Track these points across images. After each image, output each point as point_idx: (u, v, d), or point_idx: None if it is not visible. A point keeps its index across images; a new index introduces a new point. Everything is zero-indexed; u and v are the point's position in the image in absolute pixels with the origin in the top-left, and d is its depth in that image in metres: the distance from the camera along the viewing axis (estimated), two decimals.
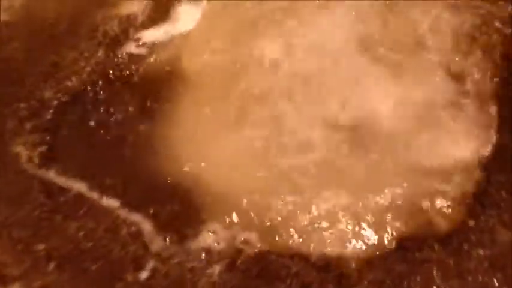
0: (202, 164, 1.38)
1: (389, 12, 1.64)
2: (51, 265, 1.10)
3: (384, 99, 1.49)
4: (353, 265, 1.03)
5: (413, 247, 1.09)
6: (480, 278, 1.03)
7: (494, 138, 1.34)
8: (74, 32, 1.68)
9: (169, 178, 1.33)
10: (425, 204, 1.23)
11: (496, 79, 1.43)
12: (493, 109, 1.41)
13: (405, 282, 1.01)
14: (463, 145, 1.35)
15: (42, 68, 1.56)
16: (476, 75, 1.49)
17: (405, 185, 1.29)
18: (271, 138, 1.43)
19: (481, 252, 1.05)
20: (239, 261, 1.08)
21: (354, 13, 1.62)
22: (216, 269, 1.06)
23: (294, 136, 1.41)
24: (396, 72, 1.55)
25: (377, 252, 1.09)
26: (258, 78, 1.53)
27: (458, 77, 1.52)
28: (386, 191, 1.27)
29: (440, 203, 1.23)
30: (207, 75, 1.61)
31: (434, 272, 1.02)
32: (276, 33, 1.61)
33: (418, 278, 1.01)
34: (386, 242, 1.10)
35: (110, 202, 1.24)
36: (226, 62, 1.62)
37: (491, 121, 1.37)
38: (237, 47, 1.63)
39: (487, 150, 1.32)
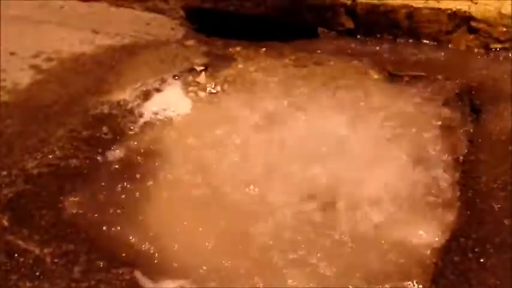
0: (167, 239, 1.41)
1: None
2: None
3: None
4: None
5: None
6: None
7: (452, 225, 1.36)
8: (66, 113, 1.81)
9: (131, 248, 1.36)
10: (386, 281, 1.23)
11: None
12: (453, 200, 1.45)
13: None
14: (423, 230, 1.37)
15: (31, 142, 1.67)
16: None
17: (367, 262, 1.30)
18: (236, 219, 1.47)
19: None
20: None
21: None
22: None
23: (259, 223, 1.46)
24: None
25: None
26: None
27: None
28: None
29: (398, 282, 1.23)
30: (184, 158, 1.70)
31: None
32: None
33: None
34: None
35: (69, 266, 1.26)
36: (202, 148, 1.73)
37: (450, 209, 1.40)
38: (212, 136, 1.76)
39: (445, 236, 1.34)
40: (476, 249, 1.22)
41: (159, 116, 1.87)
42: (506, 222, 1.26)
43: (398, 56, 2.16)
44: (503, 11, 2.03)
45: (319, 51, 2.23)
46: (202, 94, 1.99)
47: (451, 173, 1.55)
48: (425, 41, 2.19)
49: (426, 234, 1.35)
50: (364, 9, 2.24)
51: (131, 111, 1.86)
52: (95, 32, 2.31)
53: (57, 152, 1.63)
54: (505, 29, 2.03)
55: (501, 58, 2.05)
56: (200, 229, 1.45)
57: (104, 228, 1.41)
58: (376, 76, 2.06)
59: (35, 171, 1.55)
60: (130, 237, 1.39)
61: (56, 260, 1.27)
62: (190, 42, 2.30)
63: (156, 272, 1.28)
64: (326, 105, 1.91)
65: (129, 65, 2.08)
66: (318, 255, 1.31)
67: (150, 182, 1.61)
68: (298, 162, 1.64)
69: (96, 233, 1.38)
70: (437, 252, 1.28)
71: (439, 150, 1.67)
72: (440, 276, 1.19)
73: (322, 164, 1.64)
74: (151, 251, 1.35)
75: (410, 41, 2.22)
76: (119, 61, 2.11)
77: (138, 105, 1.89)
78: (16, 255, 1.27)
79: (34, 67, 2.05)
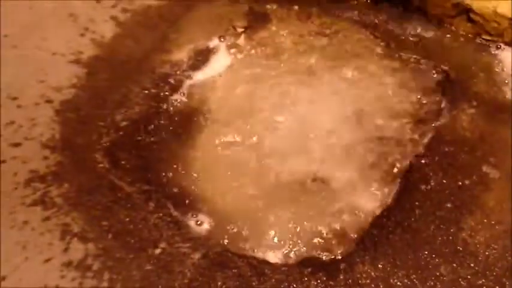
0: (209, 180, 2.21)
1: None
2: (109, 235, 1.98)
3: None
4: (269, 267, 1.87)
5: (309, 264, 1.90)
6: None
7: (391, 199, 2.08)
8: (139, 70, 2.47)
9: (183, 188, 2.18)
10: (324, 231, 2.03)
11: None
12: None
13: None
14: (368, 198, 2.11)
15: (117, 97, 2.38)
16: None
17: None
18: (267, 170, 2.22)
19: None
20: (210, 253, 1.93)
21: None
22: (197, 255, 1.92)
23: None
24: None
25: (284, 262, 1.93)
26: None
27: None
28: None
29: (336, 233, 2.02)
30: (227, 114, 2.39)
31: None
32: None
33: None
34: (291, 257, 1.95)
35: (146, 201, 2.10)
36: (243, 104, 2.40)
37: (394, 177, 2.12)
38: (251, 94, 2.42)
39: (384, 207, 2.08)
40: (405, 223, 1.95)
41: (206, 77, 2.51)
42: (438, 213, 1.97)
43: (405, 31, 2.63)
44: (499, 11, 2.43)
45: (340, 18, 2.70)
46: (239, 56, 2.59)
47: (407, 153, 2.21)
48: (431, 20, 2.63)
49: (369, 203, 2.10)
50: None
51: (186, 71, 2.51)
52: None
53: (136, 108, 2.36)
54: (496, 25, 2.46)
55: (488, 49, 2.51)
56: (234, 176, 2.22)
57: (167, 174, 2.21)
58: (379, 51, 2.58)
59: (123, 124, 2.30)
60: (186, 183, 2.20)
61: (138, 196, 2.10)
62: None
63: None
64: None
65: (186, 22, 2.64)
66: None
67: (200, 134, 2.35)
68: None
69: (162, 176, 2.19)
70: (373, 219, 2.03)
71: (404, 132, 2.30)
72: (366, 239, 1.97)
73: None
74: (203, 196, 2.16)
75: (419, 17, 2.65)
76: (179, 17, 2.66)
77: (191, 66, 2.52)
78: (115, 191, 2.10)
79: (114, 19, 2.64)
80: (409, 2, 2.61)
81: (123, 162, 2.21)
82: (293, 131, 2.30)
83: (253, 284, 1.85)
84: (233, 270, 1.88)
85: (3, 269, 1.85)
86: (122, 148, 2.24)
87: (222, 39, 2.60)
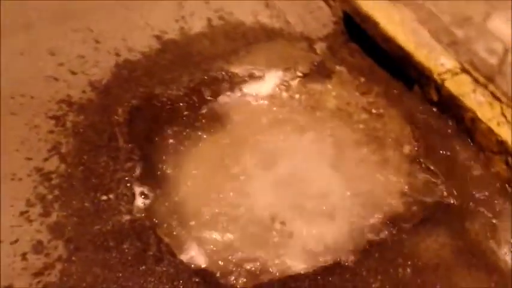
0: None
1: None
2: (81, 167, 2.31)
3: None
4: None
5: (203, 276, 2.00)
6: None
7: None
8: (197, 66, 2.79)
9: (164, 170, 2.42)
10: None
11: None
12: None
13: None
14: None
15: (167, 76, 2.72)
16: None
17: None
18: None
19: None
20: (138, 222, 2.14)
21: None
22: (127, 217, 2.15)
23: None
24: None
25: None
26: None
27: None
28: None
29: None
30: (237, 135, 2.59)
31: None
32: None
33: None
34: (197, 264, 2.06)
35: (127, 159, 2.38)
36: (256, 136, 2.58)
37: None
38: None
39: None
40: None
41: (245, 97, 2.73)
42: None
43: (443, 144, 2.55)
44: None
45: (394, 104, 2.73)
46: (284, 95, 2.76)
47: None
48: (473, 146, 2.53)
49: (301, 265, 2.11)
50: (447, 94, 2.63)
51: (233, 84, 2.75)
52: (266, 6, 3.12)
53: (173, 91, 2.67)
54: None
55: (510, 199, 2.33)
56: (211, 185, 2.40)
57: (160, 152, 2.48)
58: (407, 151, 2.55)
59: (158, 97, 2.62)
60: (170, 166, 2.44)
61: (124, 153, 2.37)
62: (319, 46, 2.97)
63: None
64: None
65: (259, 47, 2.90)
66: None
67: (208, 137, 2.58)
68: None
69: (155, 151, 2.46)
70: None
71: (377, 228, 2.26)
72: None
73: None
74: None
75: (465, 138, 2.57)
76: (257, 41, 2.93)
77: (240, 82, 2.76)
78: (111, 140, 2.42)
79: (209, 20, 3.02)
80: (462, 120, 2.54)
81: (134, 123, 2.53)
82: (282, 180, 2.39)
83: (147, 263, 2.01)
84: (142, 245, 2.06)
85: None
86: (142, 113, 2.57)
87: (278, 75, 2.80)
